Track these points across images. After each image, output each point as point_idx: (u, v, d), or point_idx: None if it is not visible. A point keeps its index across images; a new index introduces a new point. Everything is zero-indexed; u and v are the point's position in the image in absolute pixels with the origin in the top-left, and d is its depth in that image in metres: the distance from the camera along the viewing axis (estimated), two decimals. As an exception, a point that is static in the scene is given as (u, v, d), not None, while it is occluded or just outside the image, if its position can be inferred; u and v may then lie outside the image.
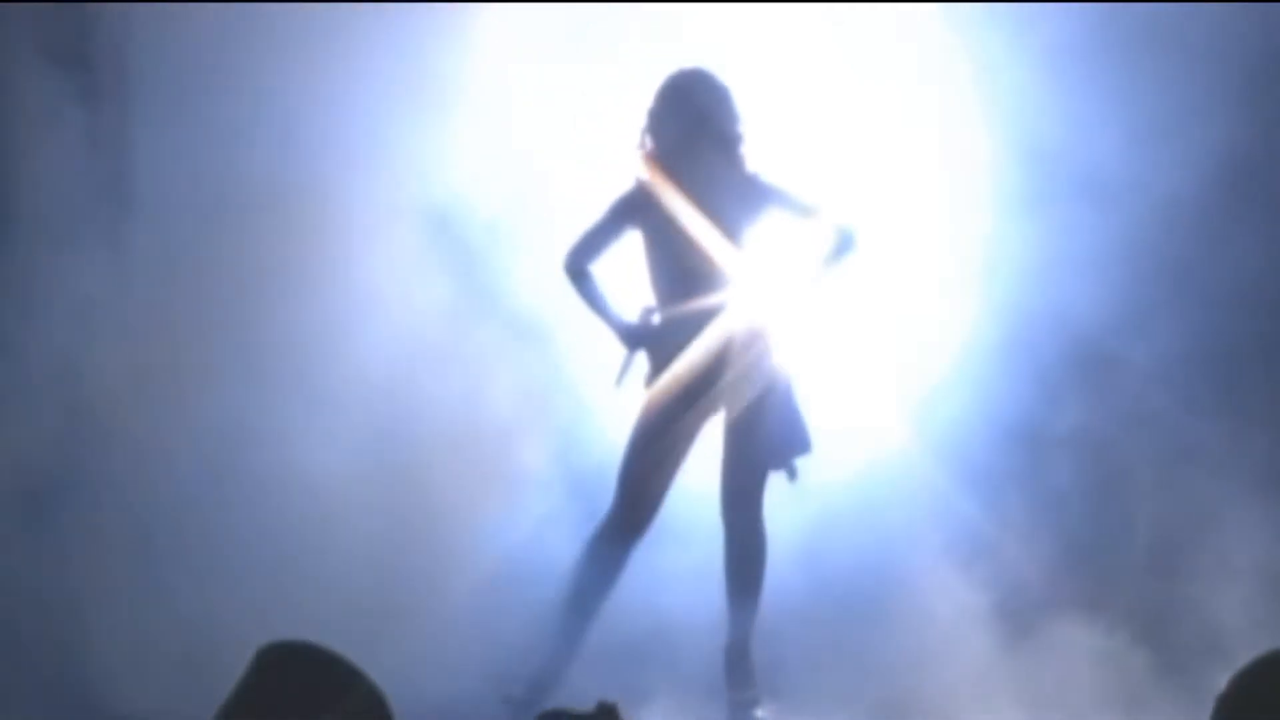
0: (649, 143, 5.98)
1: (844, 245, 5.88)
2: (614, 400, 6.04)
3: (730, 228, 5.92)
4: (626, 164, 6.00)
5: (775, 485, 6.04)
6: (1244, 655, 3.38)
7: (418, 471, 6.28)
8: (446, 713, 5.70)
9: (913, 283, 6.33)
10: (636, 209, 5.92)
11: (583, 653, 5.96)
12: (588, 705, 2.83)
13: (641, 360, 5.94)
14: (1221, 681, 3.75)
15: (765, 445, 5.88)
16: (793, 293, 5.93)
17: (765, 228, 5.95)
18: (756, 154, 5.99)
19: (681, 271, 5.85)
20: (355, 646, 3.52)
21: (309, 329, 6.23)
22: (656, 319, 5.96)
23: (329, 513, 6.17)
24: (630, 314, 5.98)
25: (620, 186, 6.02)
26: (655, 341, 5.87)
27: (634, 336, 5.94)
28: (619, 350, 6.00)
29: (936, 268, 6.38)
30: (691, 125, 5.92)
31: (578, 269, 5.94)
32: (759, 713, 5.85)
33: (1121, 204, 6.42)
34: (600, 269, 5.98)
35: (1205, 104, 6.37)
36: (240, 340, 6.21)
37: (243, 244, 6.18)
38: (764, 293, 5.91)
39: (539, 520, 6.30)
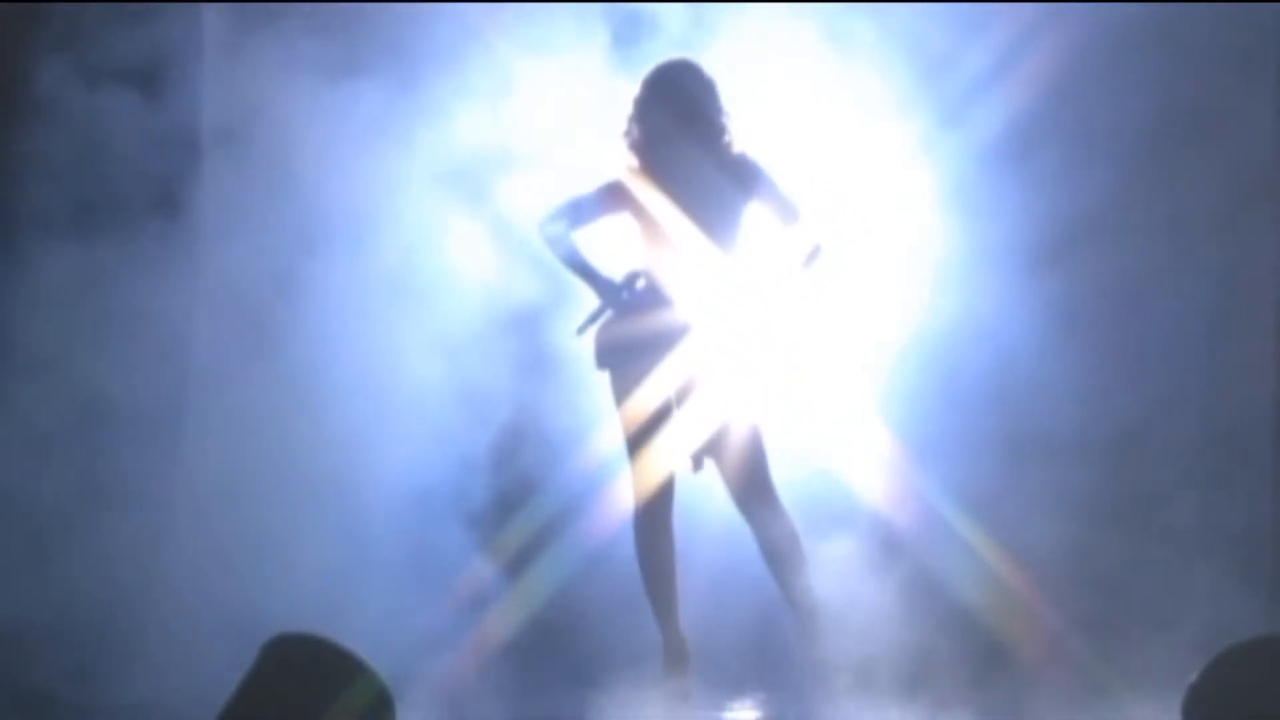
0: (636, 131, 6.03)
1: (814, 254, 5.95)
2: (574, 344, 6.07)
3: (719, 215, 5.95)
4: (614, 153, 6.04)
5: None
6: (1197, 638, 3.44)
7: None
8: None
9: (864, 278, 6.41)
10: (623, 196, 5.98)
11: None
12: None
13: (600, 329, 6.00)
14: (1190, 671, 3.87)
15: (756, 437, 5.98)
16: (766, 297, 5.98)
17: (750, 218, 5.99)
18: (741, 144, 6.01)
19: (668, 261, 5.92)
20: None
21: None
22: (642, 283, 6.00)
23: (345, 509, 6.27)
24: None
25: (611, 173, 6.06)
26: (626, 347, 5.95)
27: (614, 292, 5.99)
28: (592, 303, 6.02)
29: (885, 263, 6.46)
30: (678, 114, 5.97)
31: (553, 229, 5.97)
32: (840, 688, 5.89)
33: (1057, 199, 6.49)
34: (577, 238, 6.01)
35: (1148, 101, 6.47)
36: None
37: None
38: (740, 292, 5.96)
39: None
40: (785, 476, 6.05)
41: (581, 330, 6.01)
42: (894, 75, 6.46)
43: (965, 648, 6.16)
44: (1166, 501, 6.46)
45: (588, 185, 6.04)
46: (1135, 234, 6.55)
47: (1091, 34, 6.45)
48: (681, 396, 5.93)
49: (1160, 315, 6.57)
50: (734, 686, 6.25)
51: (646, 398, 5.94)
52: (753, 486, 5.95)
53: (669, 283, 5.94)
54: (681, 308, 5.92)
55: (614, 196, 5.99)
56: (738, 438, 5.95)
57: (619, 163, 6.02)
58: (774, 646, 6.28)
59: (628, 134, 6.02)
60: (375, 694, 3.65)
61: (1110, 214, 6.54)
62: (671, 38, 6.38)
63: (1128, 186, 6.54)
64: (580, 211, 5.99)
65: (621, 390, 5.97)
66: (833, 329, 6.37)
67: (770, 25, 6.40)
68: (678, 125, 5.96)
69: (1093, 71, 6.47)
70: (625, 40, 6.41)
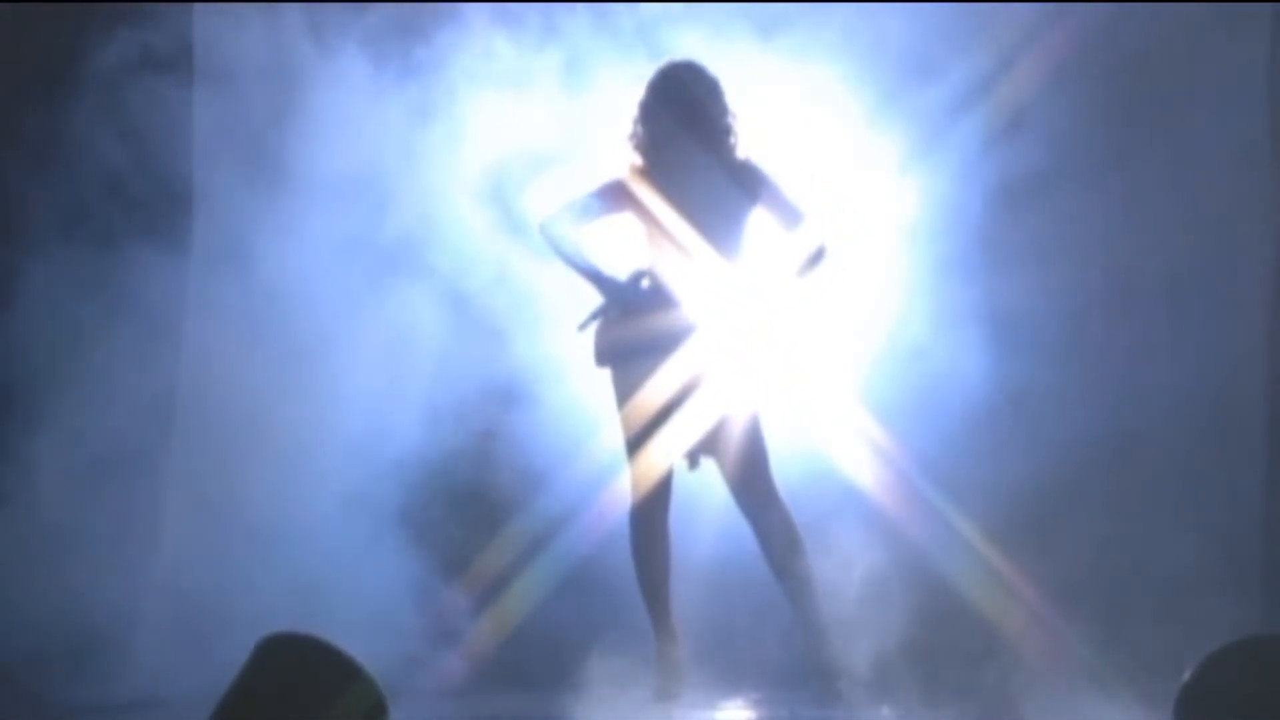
0: (640, 133, 6.01)
1: (817, 256, 5.94)
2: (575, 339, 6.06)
3: (721, 218, 5.93)
4: (619, 154, 6.03)
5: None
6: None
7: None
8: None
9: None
10: (625, 195, 5.96)
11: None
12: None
13: (599, 327, 5.99)
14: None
15: (756, 433, 5.97)
16: (766, 297, 5.97)
17: (754, 222, 5.97)
18: (746, 146, 6.00)
19: (671, 261, 5.92)
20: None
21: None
22: (646, 283, 5.98)
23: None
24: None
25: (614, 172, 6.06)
26: (628, 348, 5.96)
27: (617, 290, 5.97)
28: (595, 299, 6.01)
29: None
30: (682, 117, 5.95)
31: (556, 228, 5.95)
32: (845, 691, 5.85)
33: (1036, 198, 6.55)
34: (581, 235, 5.99)
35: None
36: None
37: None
38: (741, 293, 5.95)
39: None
40: (780, 467, 6.06)
41: (582, 327, 6.01)
42: (883, 79, 6.49)
43: (958, 642, 6.19)
44: (1157, 495, 6.47)
45: (592, 183, 6.03)
46: (1120, 231, 6.57)
47: (1067, 37, 6.46)
48: (682, 397, 5.94)
49: (1145, 311, 6.58)
50: (727, 685, 6.26)
51: (647, 398, 5.93)
52: (752, 482, 5.94)
53: (672, 282, 5.94)
54: (685, 309, 5.92)
55: (616, 196, 5.98)
56: (737, 434, 5.95)
57: (624, 162, 6.02)
58: (767, 644, 6.29)
59: (633, 135, 6.02)
60: (371, 699, 3.66)
61: (1093, 213, 6.57)
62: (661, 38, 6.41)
63: (1108, 185, 6.57)
64: (583, 210, 5.98)
65: (622, 390, 5.97)
66: (825, 326, 6.39)
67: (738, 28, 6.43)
68: (680, 128, 5.95)
69: (1072, 73, 6.49)
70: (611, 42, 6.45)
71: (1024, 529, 6.36)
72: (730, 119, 5.98)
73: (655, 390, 5.90)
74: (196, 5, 6.42)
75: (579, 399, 6.41)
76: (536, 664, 6.26)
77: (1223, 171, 6.51)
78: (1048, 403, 6.51)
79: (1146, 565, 6.33)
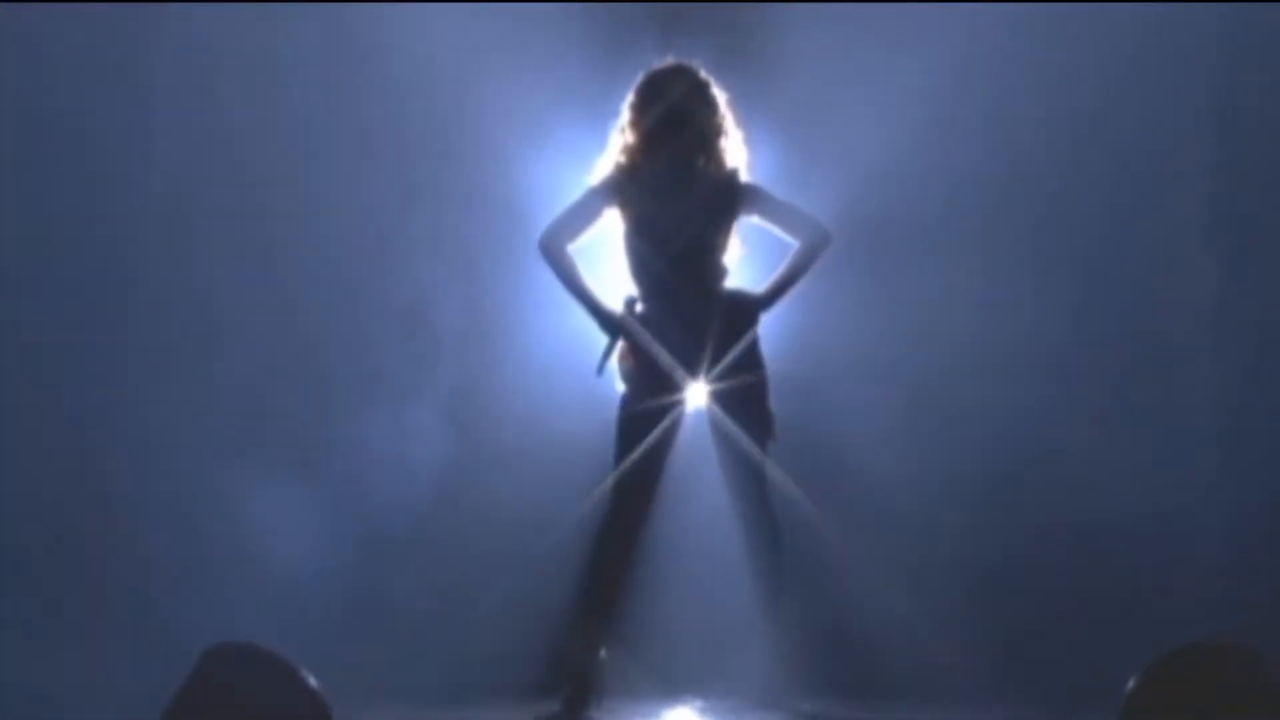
0: (628, 134, 5.98)
1: (817, 249, 5.93)
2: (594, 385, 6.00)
3: (706, 221, 5.91)
4: (607, 155, 6.01)
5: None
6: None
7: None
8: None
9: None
10: (613, 192, 5.91)
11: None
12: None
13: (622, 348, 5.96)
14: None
15: (752, 429, 5.90)
16: (764, 292, 5.96)
17: (742, 224, 5.96)
18: (735, 149, 5.99)
19: (655, 264, 5.91)
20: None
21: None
22: (639, 308, 5.94)
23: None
24: (612, 302, 5.96)
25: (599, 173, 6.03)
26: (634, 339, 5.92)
27: (610, 321, 5.91)
28: (599, 336, 5.95)
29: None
30: (667, 119, 5.92)
31: (555, 247, 5.90)
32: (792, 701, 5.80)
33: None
34: (577, 251, 5.94)
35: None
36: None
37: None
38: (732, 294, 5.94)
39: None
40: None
41: (601, 370, 5.90)
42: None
43: (902, 644, 6.19)
44: (1097, 489, 6.51)
45: (579, 193, 5.98)
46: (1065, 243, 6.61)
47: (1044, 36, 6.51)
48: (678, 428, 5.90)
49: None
50: (670, 693, 6.26)
51: (649, 428, 5.85)
52: (758, 474, 5.88)
53: (650, 280, 5.89)
54: (681, 325, 5.86)
55: (602, 198, 5.92)
56: (744, 425, 5.88)
57: (610, 161, 5.97)
58: (713, 651, 6.31)
59: (621, 133, 5.97)
60: (312, 706, 3.68)
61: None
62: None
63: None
64: (576, 218, 5.92)
65: (630, 413, 5.87)
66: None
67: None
68: (664, 130, 5.91)
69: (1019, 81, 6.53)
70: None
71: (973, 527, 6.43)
72: (719, 122, 5.95)
73: (660, 428, 5.84)
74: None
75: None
76: (499, 666, 6.27)
77: (1162, 188, 6.57)
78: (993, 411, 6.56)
79: (1090, 568, 6.38)
